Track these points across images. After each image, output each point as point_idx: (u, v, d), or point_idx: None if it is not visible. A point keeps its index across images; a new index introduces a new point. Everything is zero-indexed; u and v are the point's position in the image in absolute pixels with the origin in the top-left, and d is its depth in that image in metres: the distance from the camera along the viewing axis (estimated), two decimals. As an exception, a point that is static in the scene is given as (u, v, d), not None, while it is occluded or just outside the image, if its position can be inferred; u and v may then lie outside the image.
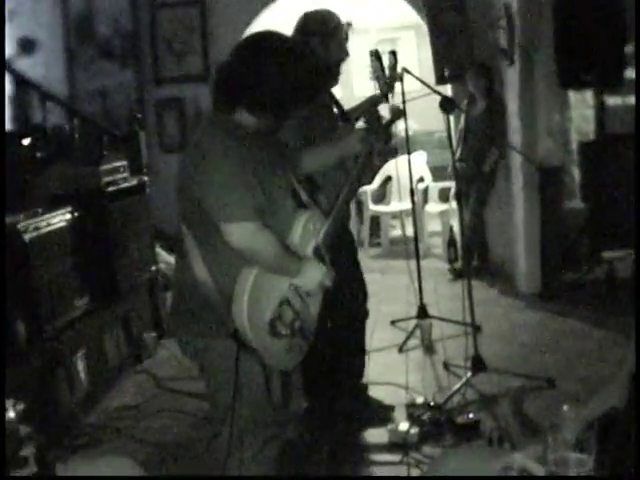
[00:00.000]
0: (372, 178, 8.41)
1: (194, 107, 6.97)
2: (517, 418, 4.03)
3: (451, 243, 7.21)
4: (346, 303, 3.95)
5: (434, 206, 8.28)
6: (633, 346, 2.02)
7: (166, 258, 6.01)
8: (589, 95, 6.28)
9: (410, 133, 5.61)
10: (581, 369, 4.62)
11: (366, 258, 7.46)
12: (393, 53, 4.52)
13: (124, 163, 5.43)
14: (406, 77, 4.72)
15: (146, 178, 5.79)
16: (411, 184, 5.59)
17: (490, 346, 4.99)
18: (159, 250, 6.02)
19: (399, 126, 4.86)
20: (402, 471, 3.62)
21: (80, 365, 4.47)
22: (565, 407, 1.71)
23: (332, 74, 3.92)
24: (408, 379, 4.72)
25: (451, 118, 5.16)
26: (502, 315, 5.83)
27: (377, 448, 3.89)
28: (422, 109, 5.64)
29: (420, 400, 4.18)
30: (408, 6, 7.23)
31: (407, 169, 5.55)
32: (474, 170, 6.79)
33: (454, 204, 6.69)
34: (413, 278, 5.47)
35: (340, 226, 3.03)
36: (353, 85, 9.36)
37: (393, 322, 5.75)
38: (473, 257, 6.93)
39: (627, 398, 1.94)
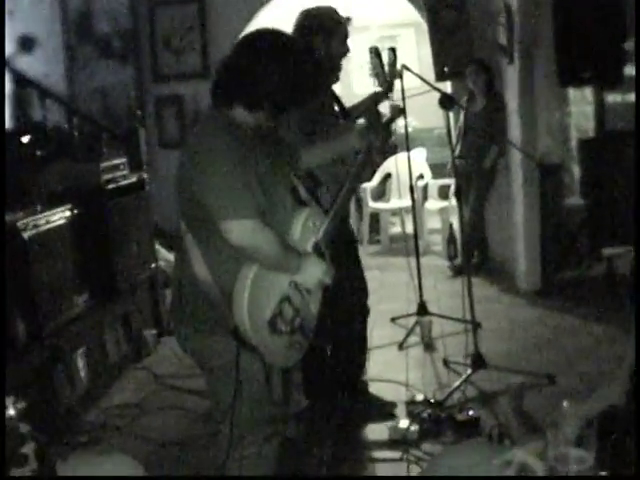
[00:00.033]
0: (372, 175, 8.40)
1: (193, 104, 6.96)
2: (517, 415, 4.02)
3: (451, 240, 7.22)
4: (346, 300, 3.95)
5: (434, 203, 8.27)
6: (633, 343, 2.02)
7: (166, 255, 6.01)
8: (589, 92, 6.28)
9: (410, 130, 5.62)
10: (581, 366, 4.63)
11: (366, 255, 7.45)
12: (393, 50, 4.52)
13: (124, 160, 5.43)
14: (406, 74, 4.72)
15: (146, 175, 5.79)
16: (411, 181, 5.58)
17: (490, 343, 4.99)
18: (159, 247, 6.02)
19: (399, 123, 4.85)
20: (402, 468, 3.62)
21: (80, 363, 4.48)
22: (565, 404, 1.71)
23: (334, 69, 3.93)
24: (408, 376, 4.72)
25: (451, 115, 5.17)
26: (502, 312, 5.83)
27: (377, 445, 3.89)
28: (422, 106, 5.63)
29: (420, 397, 4.19)
30: (408, 3, 7.22)
31: (407, 166, 5.55)
32: (474, 167, 6.79)
33: (454, 201, 6.69)
34: (413, 275, 5.47)
35: (340, 223, 3.03)
36: (352, 82, 9.35)
37: (393, 319, 5.75)
38: (473, 254, 6.93)
39: (627, 395, 1.94)
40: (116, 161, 5.31)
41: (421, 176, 8.33)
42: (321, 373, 4.01)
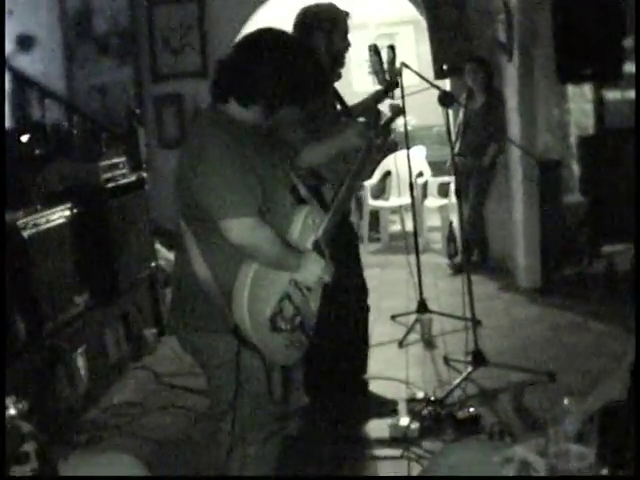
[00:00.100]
0: (372, 173, 8.40)
1: (192, 103, 6.96)
2: (518, 412, 4.03)
3: (450, 238, 7.22)
4: (346, 299, 3.96)
5: (433, 201, 8.28)
6: (633, 339, 2.02)
7: (166, 254, 6.01)
8: (588, 89, 6.28)
9: (409, 128, 5.61)
10: (581, 362, 4.63)
11: (366, 253, 7.46)
12: (392, 48, 4.52)
13: (123, 159, 5.43)
14: (405, 72, 4.72)
15: (145, 174, 5.79)
16: (410, 179, 5.59)
17: (490, 340, 5.00)
18: (158, 246, 6.02)
19: (398, 121, 4.84)
20: (403, 466, 3.62)
21: (80, 362, 4.48)
22: (566, 400, 1.71)
23: (336, 65, 3.93)
24: (408, 374, 4.72)
25: (450, 113, 5.16)
26: (502, 309, 5.84)
27: (378, 443, 3.89)
28: (421, 104, 5.63)
29: (421, 395, 4.19)
30: (407, 1, 7.22)
31: (406, 164, 5.55)
32: (473, 165, 6.79)
33: (453, 199, 6.69)
34: (413, 273, 5.48)
35: (341, 221, 3.03)
36: (352, 80, 9.35)
37: (393, 317, 5.75)
38: (473, 252, 6.93)
39: (627, 391, 1.94)
40: (115, 160, 5.31)
41: (421, 174, 8.34)
42: (322, 371, 4.02)
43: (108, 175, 5.12)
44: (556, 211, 6.25)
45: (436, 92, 4.43)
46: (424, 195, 8.40)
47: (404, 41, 9.95)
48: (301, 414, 4.02)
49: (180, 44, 7.04)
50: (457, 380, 4.35)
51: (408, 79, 4.78)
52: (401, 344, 5.22)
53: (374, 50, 4.29)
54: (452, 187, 7.18)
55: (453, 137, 5.42)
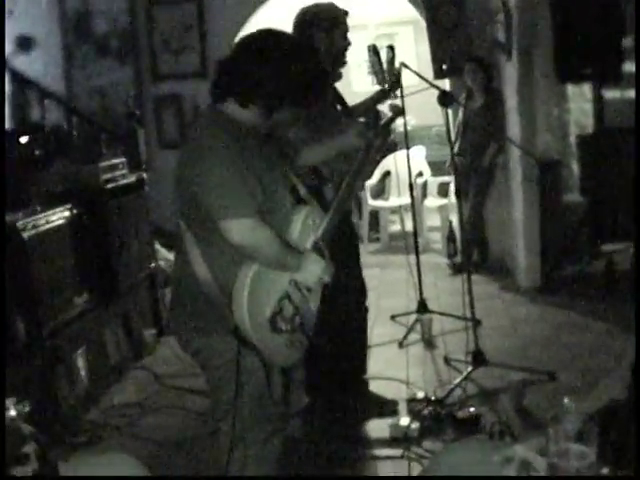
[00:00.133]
0: (372, 173, 8.40)
1: (192, 104, 6.96)
2: (518, 412, 4.03)
3: (450, 238, 7.21)
4: (345, 299, 3.96)
5: (433, 201, 8.28)
6: (633, 339, 2.02)
7: (165, 255, 6.01)
8: (587, 88, 6.28)
9: (409, 128, 5.61)
10: (582, 362, 4.63)
11: (365, 253, 7.46)
12: (391, 48, 4.52)
13: (123, 160, 5.43)
14: (404, 72, 4.72)
15: (145, 175, 5.78)
16: (410, 179, 5.59)
17: (490, 340, 5.00)
18: (158, 247, 6.02)
19: (398, 121, 4.84)
20: (403, 466, 3.62)
21: (80, 363, 4.48)
22: (566, 400, 1.71)
23: (337, 63, 3.94)
24: (409, 374, 4.72)
25: (449, 113, 5.17)
26: (502, 309, 5.84)
27: (378, 443, 3.89)
28: (420, 104, 5.63)
29: (421, 395, 4.19)
30: (406, 1, 7.22)
31: (406, 164, 5.55)
32: (473, 164, 6.80)
33: (453, 199, 6.69)
34: (413, 273, 5.48)
35: (342, 221, 3.03)
36: (351, 81, 9.35)
37: (393, 317, 5.75)
38: (473, 252, 6.93)
39: (628, 390, 1.94)
40: (115, 161, 5.31)
41: (420, 174, 8.34)
42: (322, 371, 4.02)
43: (108, 176, 5.12)
44: (556, 210, 6.25)
45: (435, 92, 4.43)
46: (424, 195, 8.40)
47: (403, 41, 9.96)
48: (302, 414, 4.02)
49: (180, 45, 7.05)
50: (457, 380, 4.35)
51: (407, 79, 4.78)
52: (401, 344, 5.22)
53: (373, 50, 4.29)
54: (452, 187, 7.18)
55: (453, 137, 5.43)
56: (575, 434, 1.65)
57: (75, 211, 4.67)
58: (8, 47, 6.41)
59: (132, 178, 5.49)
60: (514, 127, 6.26)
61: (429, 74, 4.96)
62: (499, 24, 6.24)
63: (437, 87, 4.54)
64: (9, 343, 3.88)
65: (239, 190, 2.44)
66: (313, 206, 2.76)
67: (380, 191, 8.79)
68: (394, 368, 4.81)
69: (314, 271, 2.64)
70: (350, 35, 4.01)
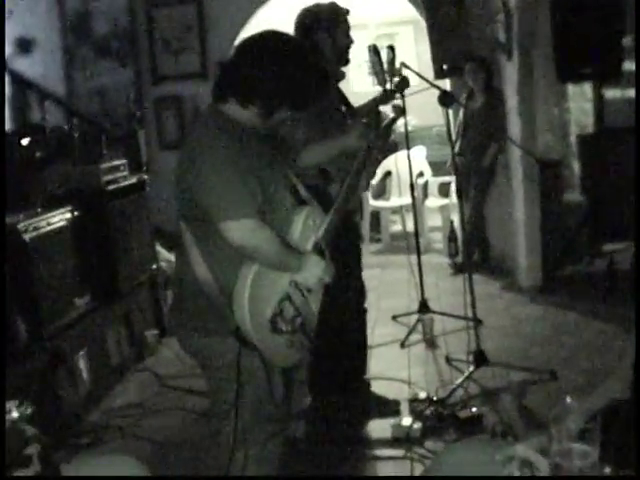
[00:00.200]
0: (375, 173, 8.40)
1: (192, 105, 6.96)
2: (520, 411, 4.03)
3: (451, 238, 7.20)
4: (344, 300, 3.96)
5: (434, 201, 8.27)
6: (634, 338, 2.02)
7: (166, 256, 6.01)
8: (588, 88, 6.27)
9: (409, 128, 5.61)
10: (583, 361, 4.63)
11: (367, 253, 7.44)
12: (391, 48, 4.53)
13: (123, 162, 5.43)
14: (405, 72, 4.72)
15: (146, 176, 5.79)
16: (411, 179, 5.59)
17: (492, 340, 4.99)
18: (159, 248, 6.02)
19: (398, 121, 4.85)
20: (405, 466, 3.62)
21: (82, 364, 4.48)
22: (568, 399, 1.71)
23: (341, 62, 3.94)
24: (410, 374, 4.72)
25: (450, 112, 5.16)
26: (503, 309, 5.83)
27: (380, 443, 3.89)
28: (421, 104, 5.63)
29: (423, 395, 4.19)
30: (406, 1, 7.22)
31: (407, 164, 5.55)
32: (474, 164, 6.79)
33: (454, 198, 6.69)
34: (414, 273, 5.48)
35: (344, 221, 3.03)
36: (352, 81, 9.35)
37: (395, 317, 5.75)
38: (474, 251, 6.93)
39: (629, 389, 1.94)
40: (116, 162, 5.31)
41: (421, 174, 8.33)
42: (323, 372, 4.02)
43: (108, 177, 5.12)
44: (556, 210, 6.25)
45: (436, 92, 4.43)
46: (425, 195, 8.39)
47: (404, 41, 9.96)
48: (303, 415, 4.02)
49: (180, 45, 7.05)
50: (459, 380, 4.35)
51: (408, 79, 4.78)
52: (403, 344, 5.22)
53: (374, 50, 4.29)
54: (453, 187, 7.18)
55: (453, 137, 5.42)
56: (577, 433, 1.65)
57: (76, 213, 4.68)
58: (8, 49, 6.41)
59: (133, 179, 5.50)
60: (514, 127, 6.26)
61: (429, 74, 4.94)
62: (499, 24, 6.24)
63: (438, 87, 4.54)
64: (10, 344, 3.88)
65: (239, 191, 2.44)
66: (313, 206, 2.75)
67: (381, 191, 8.78)
68: (396, 368, 4.81)
69: (315, 272, 2.64)
70: (350, 34, 4.01)
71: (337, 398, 4.19)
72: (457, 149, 6.61)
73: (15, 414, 1.91)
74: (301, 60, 2.56)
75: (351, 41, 3.98)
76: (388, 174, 8.50)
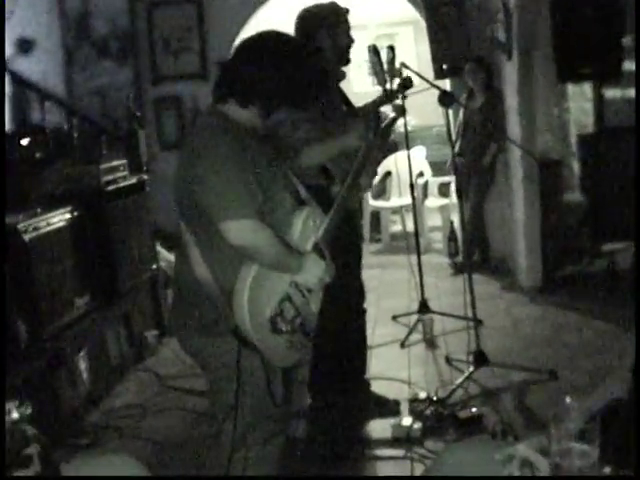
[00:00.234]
0: (376, 172, 8.40)
1: (192, 105, 6.96)
2: (520, 411, 4.03)
3: (451, 238, 7.21)
4: (343, 301, 3.96)
5: (434, 201, 8.28)
6: (634, 338, 2.02)
7: (166, 256, 6.01)
8: (588, 88, 6.27)
9: (409, 128, 5.61)
10: (583, 361, 4.63)
11: (367, 254, 7.44)
12: (391, 48, 4.53)
13: (123, 162, 5.43)
14: (404, 72, 4.72)
15: (146, 176, 5.79)
16: (411, 179, 5.59)
17: (492, 340, 5.00)
18: (159, 248, 6.02)
19: (398, 121, 4.87)
20: (405, 466, 3.62)
21: (82, 364, 4.48)
22: (568, 399, 1.71)
23: (342, 61, 3.94)
24: (410, 374, 4.72)
25: (450, 113, 5.16)
26: (503, 309, 5.84)
27: (380, 443, 3.89)
28: (421, 104, 5.63)
29: (423, 395, 4.19)
30: (406, 2, 7.22)
31: (406, 164, 5.55)
32: (473, 164, 6.80)
33: (454, 198, 6.69)
34: (414, 273, 5.48)
35: (346, 221, 3.03)
36: (352, 81, 9.35)
37: (395, 317, 5.75)
38: (474, 251, 6.93)
39: (630, 389, 1.94)
40: (116, 162, 5.31)
41: (421, 174, 8.33)
42: (323, 372, 4.02)
43: (108, 177, 5.12)
44: (556, 210, 6.25)
45: (436, 92, 4.43)
46: (425, 195, 8.40)
47: (403, 41, 9.96)
48: (303, 415, 4.02)
49: (179, 46, 7.05)
50: (459, 380, 4.35)
51: (408, 79, 4.78)
52: (403, 344, 5.22)
53: (373, 50, 4.29)
54: (452, 187, 7.18)
55: (453, 137, 5.42)
56: (577, 433, 1.65)
57: (76, 213, 4.68)
58: (8, 49, 6.42)
59: (133, 179, 5.50)
60: (514, 127, 6.26)
61: (429, 74, 4.95)
62: (499, 24, 6.24)
63: (437, 87, 4.54)
64: (10, 345, 3.88)
65: (239, 191, 2.44)
66: (313, 207, 2.75)
67: (381, 191, 8.79)
68: (396, 368, 4.81)
69: (314, 272, 2.64)
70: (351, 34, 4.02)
71: (337, 398, 4.18)
72: (457, 149, 6.61)
73: (15, 414, 1.91)
74: (301, 60, 2.56)
75: (352, 41, 3.98)
76: (388, 174, 8.50)
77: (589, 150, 6.31)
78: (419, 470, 3.53)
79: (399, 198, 8.27)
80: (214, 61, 2.70)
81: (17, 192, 4.42)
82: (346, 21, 3.96)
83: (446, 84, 6.82)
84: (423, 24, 6.87)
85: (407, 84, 4.19)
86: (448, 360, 4.82)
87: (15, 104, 6.08)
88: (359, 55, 4.70)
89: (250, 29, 6.66)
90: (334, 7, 3.96)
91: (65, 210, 4.60)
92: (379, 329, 5.43)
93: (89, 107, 6.90)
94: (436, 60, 6.53)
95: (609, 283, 5.92)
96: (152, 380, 4.96)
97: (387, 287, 6.59)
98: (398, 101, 4.35)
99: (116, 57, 7.02)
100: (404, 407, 4.18)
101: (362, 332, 4.31)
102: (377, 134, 3.11)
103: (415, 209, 5.70)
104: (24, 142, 4.87)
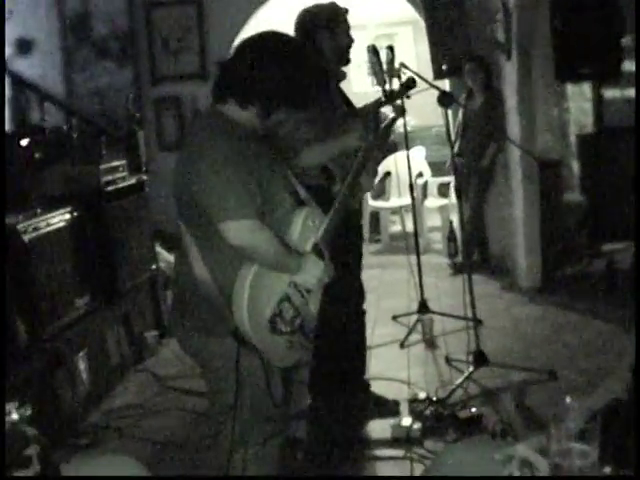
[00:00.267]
0: (376, 171, 8.40)
1: (192, 105, 6.96)
2: (519, 412, 4.03)
3: (451, 238, 7.21)
4: (343, 302, 3.96)
5: (433, 201, 8.28)
6: (633, 338, 2.02)
7: (166, 257, 6.01)
8: (587, 88, 6.28)
9: (408, 128, 5.61)
10: (582, 361, 4.63)
11: (366, 254, 7.44)
12: (390, 48, 4.53)
13: (123, 162, 5.43)
14: (404, 72, 4.71)
15: (145, 177, 5.79)
16: (410, 179, 5.59)
17: (491, 340, 5.00)
18: (159, 249, 6.02)
19: (398, 122, 4.87)
20: (405, 466, 3.62)
21: (82, 365, 4.47)
22: (567, 399, 1.71)
23: (342, 61, 3.94)
24: (410, 374, 4.72)
25: (449, 113, 5.16)
26: (503, 309, 5.84)
27: (380, 443, 3.89)
28: (420, 104, 5.61)
29: (422, 395, 4.19)
30: (405, 2, 7.22)
31: (406, 164, 5.55)
32: (473, 164, 6.80)
33: (453, 199, 6.69)
34: (414, 273, 5.48)
35: (346, 222, 3.02)
36: (351, 81, 9.35)
37: (394, 318, 5.75)
38: (473, 252, 6.93)
39: (629, 389, 1.94)
40: (115, 163, 5.31)
41: (420, 174, 8.33)
42: (323, 373, 4.02)
43: (108, 178, 5.12)
44: (556, 210, 6.26)
45: (435, 92, 4.43)
46: (424, 195, 8.40)
47: (403, 41, 9.96)
48: (303, 415, 4.02)
49: (179, 46, 7.05)
50: (459, 380, 4.35)
51: (407, 80, 4.78)
52: (402, 345, 5.22)
53: (373, 51, 4.29)
54: (452, 187, 7.18)
55: (453, 137, 5.43)
56: (577, 433, 1.65)
57: (75, 213, 4.68)
58: (8, 50, 6.42)
59: (132, 180, 5.50)
60: (514, 127, 6.26)
61: (429, 74, 4.96)
62: (498, 24, 6.24)
63: (437, 87, 4.54)
64: (10, 345, 3.88)
65: (238, 191, 2.44)
66: (313, 207, 2.75)
67: (380, 192, 8.79)
68: (395, 369, 4.81)
69: (314, 273, 2.64)
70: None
71: (337, 398, 4.18)
72: (456, 149, 6.61)
73: (15, 415, 1.91)
74: (300, 61, 2.56)
75: (352, 40, 3.98)
76: (388, 174, 8.50)
77: (588, 150, 6.32)
78: (419, 470, 3.53)
79: (398, 198, 8.27)
80: (214, 61, 2.70)
81: (17, 192, 4.41)
82: (346, 21, 3.97)
83: (445, 84, 6.82)
84: (422, 24, 6.88)
85: (410, 84, 4.19)
86: (448, 360, 4.82)
87: (15, 105, 6.07)
88: (358, 55, 4.71)
89: (250, 29, 6.66)
90: (334, 7, 3.97)
91: (65, 210, 4.60)
92: (379, 329, 5.43)
93: (88, 107, 6.90)
94: (435, 60, 6.54)
95: (608, 283, 5.92)
96: (152, 380, 4.95)
97: (387, 287, 6.59)
98: (397, 101, 4.35)
99: (115, 57, 7.02)
100: (404, 407, 4.18)
101: (362, 333, 4.31)
102: (377, 134, 3.11)
103: (414, 209, 5.70)
104: (23, 142, 4.86)
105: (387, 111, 4.43)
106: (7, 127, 5.72)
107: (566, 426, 1.65)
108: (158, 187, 5.82)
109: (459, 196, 4.77)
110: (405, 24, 10.00)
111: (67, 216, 4.60)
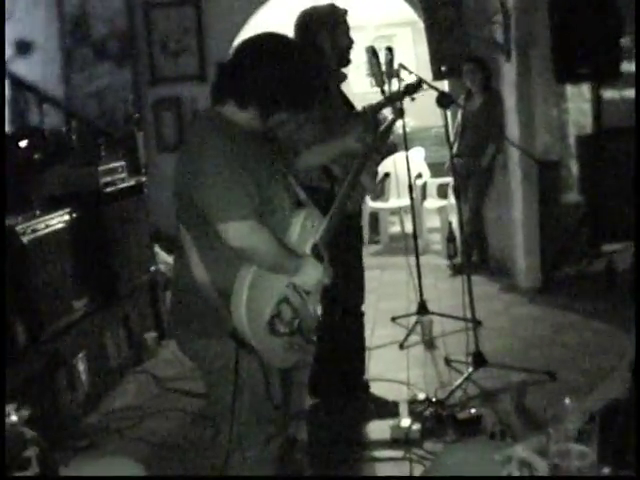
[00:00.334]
0: (377, 172, 8.40)
1: (191, 106, 6.96)
2: (519, 412, 4.03)
3: (450, 239, 7.21)
4: (342, 303, 3.96)
5: (433, 202, 8.28)
6: (633, 338, 2.02)
7: (165, 258, 6.01)
8: (586, 89, 6.28)
9: (408, 129, 5.61)
10: (582, 362, 4.63)
11: (366, 255, 7.44)
12: (389, 49, 4.53)
13: (122, 164, 5.43)
14: (403, 73, 4.72)
15: (144, 178, 5.79)
16: (409, 180, 5.59)
17: (491, 341, 4.99)
18: (158, 250, 6.02)
19: (397, 123, 4.86)
20: (404, 467, 3.62)
21: (81, 366, 4.47)
22: (567, 400, 1.71)
23: (342, 62, 3.94)
24: (409, 375, 4.72)
25: (448, 114, 5.16)
26: (502, 310, 5.84)
27: (379, 444, 3.89)
28: (419, 105, 5.62)
29: (422, 396, 4.19)
30: (404, 3, 7.23)
31: (405, 165, 5.55)
32: (472, 165, 6.80)
33: (452, 200, 6.69)
34: (413, 274, 5.48)
35: (348, 222, 3.02)
36: (351, 82, 9.34)
37: (394, 319, 5.75)
38: (472, 252, 6.93)
39: (628, 390, 1.94)
40: (114, 164, 5.31)
41: (419, 175, 8.34)
42: (323, 374, 4.02)
43: (107, 179, 5.12)
44: (555, 211, 6.26)
45: (434, 93, 4.43)
46: (423, 196, 8.40)
47: (402, 43, 9.96)
48: (303, 416, 4.01)
49: (178, 47, 7.05)
50: (458, 381, 4.35)
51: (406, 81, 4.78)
52: (402, 346, 5.22)
53: (372, 52, 4.30)
54: (451, 188, 7.18)
55: (452, 138, 5.43)
56: (576, 434, 1.65)
57: (74, 215, 4.68)
58: (7, 51, 6.42)
59: (131, 181, 5.50)
60: (513, 127, 6.27)
61: (428, 75, 4.96)
62: (497, 25, 6.24)
63: (436, 88, 4.53)
64: (9, 347, 3.88)
65: (237, 192, 2.43)
66: (312, 208, 2.75)
67: (380, 192, 8.78)
68: (395, 370, 4.81)
69: (312, 274, 2.64)
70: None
71: (336, 400, 4.18)
72: (455, 150, 6.61)
73: (14, 417, 1.91)
74: (300, 62, 2.56)
75: (351, 42, 3.98)
76: (387, 175, 8.49)
77: (588, 151, 6.31)
78: (418, 471, 3.52)
79: (398, 199, 8.27)
80: (213, 62, 2.70)
81: (16, 194, 4.41)
82: (345, 22, 3.97)
83: (444, 85, 6.82)
84: (421, 25, 6.88)
85: (417, 87, 4.19)
86: (447, 361, 4.82)
87: (14, 106, 6.08)
88: (358, 56, 4.72)
89: (249, 30, 6.66)
90: (333, 8, 3.97)
91: (64, 212, 4.60)
92: (378, 330, 5.43)
93: (88, 109, 6.90)
94: (434, 61, 6.54)
95: (608, 283, 5.92)
96: (151, 382, 4.95)
97: (386, 288, 6.59)
98: (397, 103, 4.35)
99: (115, 59, 7.02)
100: (403, 408, 4.18)
101: (361, 334, 4.31)
102: (376, 135, 3.11)
103: (414, 210, 5.69)
104: (23, 144, 4.86)
105: (386, 112, 4.43)
106: (7, 128, 5.73)
107: (565, 427, 1.65)
108: (157, 188, 5.83)
109: (458, 197, 4.77)
110: (404, 25, 10.01)
111: (66, 217, 4.60)
